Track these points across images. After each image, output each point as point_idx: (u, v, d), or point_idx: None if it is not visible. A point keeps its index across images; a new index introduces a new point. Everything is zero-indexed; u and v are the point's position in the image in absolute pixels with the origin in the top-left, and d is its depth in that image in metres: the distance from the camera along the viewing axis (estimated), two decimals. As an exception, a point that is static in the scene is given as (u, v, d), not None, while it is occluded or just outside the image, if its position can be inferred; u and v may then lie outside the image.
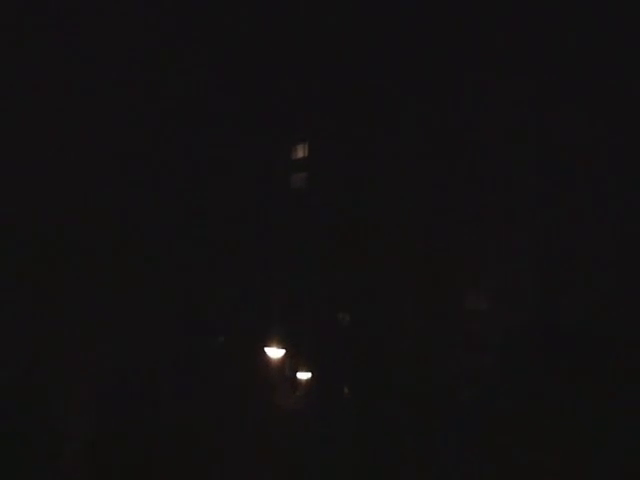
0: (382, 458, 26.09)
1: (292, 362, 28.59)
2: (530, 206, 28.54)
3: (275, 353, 27.90)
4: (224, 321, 28.82)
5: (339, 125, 31.18)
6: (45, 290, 24.73)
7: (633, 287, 26.97)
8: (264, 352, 27.90)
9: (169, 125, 28.38)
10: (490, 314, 28.53)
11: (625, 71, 26.55)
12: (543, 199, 28.42)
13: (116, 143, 27.18)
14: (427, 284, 29.03)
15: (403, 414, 27.45)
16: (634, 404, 24.34)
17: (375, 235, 30.05)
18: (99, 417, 24.73)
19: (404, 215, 29.83)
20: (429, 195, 29.77)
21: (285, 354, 28.39)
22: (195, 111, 29.13)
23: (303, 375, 28.31)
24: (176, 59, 27.48)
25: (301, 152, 32.65)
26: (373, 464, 25.32)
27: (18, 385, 23.19)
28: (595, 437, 24.08)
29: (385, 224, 29.99)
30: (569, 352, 25.81)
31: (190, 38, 27.96)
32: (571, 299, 27.29)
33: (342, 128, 31.17)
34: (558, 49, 27.05)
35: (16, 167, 24.53)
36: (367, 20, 29.91)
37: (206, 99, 29.22)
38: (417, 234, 29.68)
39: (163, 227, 27.93)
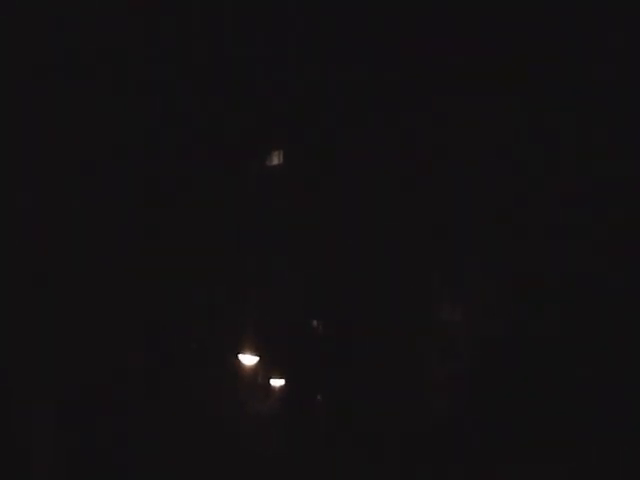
0: (355, 465, 26.13)
1: (265, 369, 28.57)
2: (505, 217, 28.71)
3: (248, 360, 27.94)
4: (197, 327, 28.70)
5: (313, 133, 31.27)
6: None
7: (605, 299, 27.10)
8: (237, 359, 27.91)
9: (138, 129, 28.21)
10: (463, 325, 28.61)
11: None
12: (516, 210, 28.62)
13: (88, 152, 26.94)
14: (403, 294, 29.10)
15: (376, 422, 27.48)
16: (608, 414, 24.45)
17: (350, 243, 30.12)
18: (69, 422, 24.50)
19: (379, 224, 29.91)
20: (402, 204, 29.87)
21: (258, 361, 28.40)
22: (165, 117, 29.05)
23: (276, 382, 28.32)
24: (151, 62, 27.32)
25: (275, 160, 32.74)
26: (346, 470, 25.36)
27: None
28: (571, 447, 24.17)
29: (359, 232, 30.06)
30: (545, 362, 25.90)
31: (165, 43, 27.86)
32: (547, 310, 27.42)
33: (317, 136, 31.25)
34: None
35: None
36: (340, 32, 30.00)
37: (178, 103, 29.13)
38: (391, 242, 29.79)
39: (135, 232, 27.77)
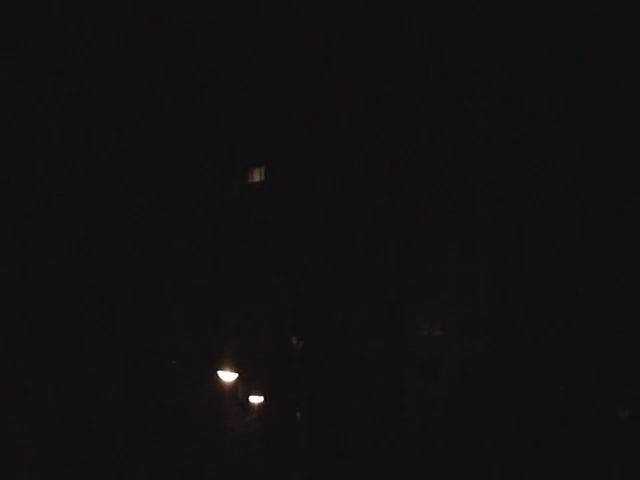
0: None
1: (244, 386, 28.45)
2: (485, 234, 29.01)
3: (228, 376, 27.74)
4: (177, 344, 28.57)
5: (294, 150, 31.42)
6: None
7: (585, 317, 27.39)
8: (217, 375, 27.74)
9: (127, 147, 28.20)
10: (445, 341, 28.79)
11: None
12: (497, 227, 28.93)
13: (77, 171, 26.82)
14: (382, 310, 29.28)
15: (355, 438, 27.48)
16: (587, 429, 24.61)
17: (330, 259, 30.26)
18: (50, 439, 24.24)
19: (360, 242, 30.10)
20: (384, 220, 30.12)
21: (238, 378, 28.24)
22: (152, 136, 29.02)
23: (255, 399, 28.19)
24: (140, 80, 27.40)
25: (257, 176, 32.87)
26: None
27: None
28: (550, 461, 24.26)
29: (340, 249, 30.22)
30: (523, 378, 26.04)
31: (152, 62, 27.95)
32: (525, 326, 27.66)
33: (298, 153, 31.41)
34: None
35: None
36: (323, 49, 30.20)
37: (163, 122, 29.16)
38: (373, 260, 29.97)
39: (116, 249, 27.65)
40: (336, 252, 30.95)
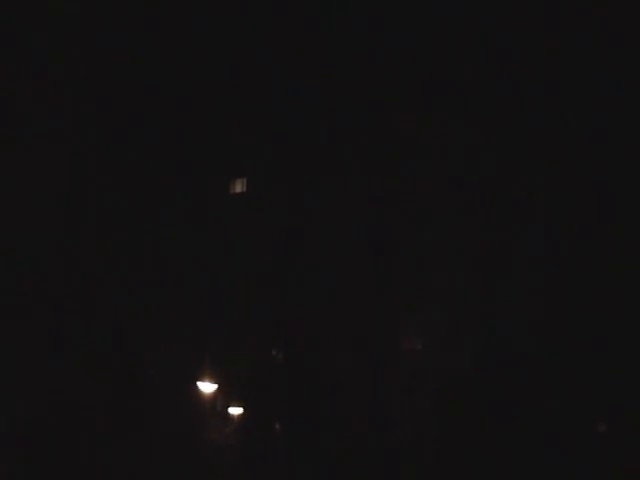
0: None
1: (224, 397, 28.37)
2: (469, 247, 28.93)
3: (207, 387, 27.72)
4: (155, 354, 28.47)
5: (277, 160, 31.38)
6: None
7: (573, 330, 27.35)
8: (196, 386, 27.68)
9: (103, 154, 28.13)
10: (427, 355, 28.66)
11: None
12: (481, 241, 28.87)
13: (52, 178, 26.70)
14: (363, 323, 29.17)
15: (336, 452, 27.36)
16: (572, 448, 24.60)
17: (311, 271, 30.16)
18: (22, 452, 24.08)
19: (341, 252, 30.01)
20: (366, 232, 30.04)
21: (217, 389, 28.20)
22: (131, 143, 28.96)
23: (235, 410, 28.12)
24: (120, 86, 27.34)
25: (239, 187, 32.75)
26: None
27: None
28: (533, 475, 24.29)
29: (322, 261, 30.13)
30: (507, 394, 26.01)
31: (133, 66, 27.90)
32: (510, 340, 27.60)
33: (280, 163, 31.37)
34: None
35: None
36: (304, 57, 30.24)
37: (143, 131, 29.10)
38: (355, 274, 29.88)
39: (91, 257, 27.55)
40: (318, 265, 30.85)
